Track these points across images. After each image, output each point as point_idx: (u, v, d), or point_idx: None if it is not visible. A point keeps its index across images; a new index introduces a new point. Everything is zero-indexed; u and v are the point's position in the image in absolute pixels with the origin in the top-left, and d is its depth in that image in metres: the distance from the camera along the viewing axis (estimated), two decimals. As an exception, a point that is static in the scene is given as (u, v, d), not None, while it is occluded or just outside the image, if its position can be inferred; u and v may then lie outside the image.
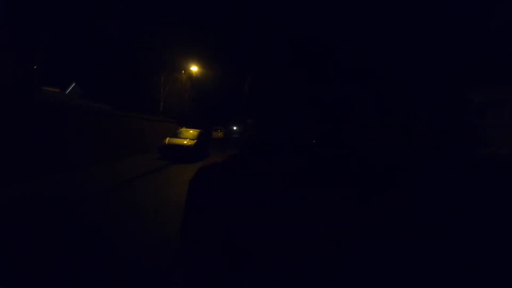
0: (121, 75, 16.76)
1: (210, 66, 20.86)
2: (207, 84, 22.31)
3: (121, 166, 7.72)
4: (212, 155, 12.19)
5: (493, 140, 11.12)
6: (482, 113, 11.94)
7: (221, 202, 0.52)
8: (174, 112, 17.54)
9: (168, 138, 10.47)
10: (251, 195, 0.52)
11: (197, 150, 10.53)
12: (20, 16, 6.92)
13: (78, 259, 2.53)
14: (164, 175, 7.48)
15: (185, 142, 10.35)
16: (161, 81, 15.87)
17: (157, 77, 15.88)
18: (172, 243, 2.47)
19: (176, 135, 11.03)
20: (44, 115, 5.75)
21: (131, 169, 7.33)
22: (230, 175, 0.55)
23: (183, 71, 17.62)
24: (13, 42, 6.68)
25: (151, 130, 12.15)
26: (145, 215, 4.01)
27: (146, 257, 2.65)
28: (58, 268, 2.36)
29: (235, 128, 52.37)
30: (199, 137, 11.03)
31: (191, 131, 11.41)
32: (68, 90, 17.75)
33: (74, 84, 18.42)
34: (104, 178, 6.02)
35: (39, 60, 7.34)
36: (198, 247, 0.51)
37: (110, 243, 2.97)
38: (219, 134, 33.55)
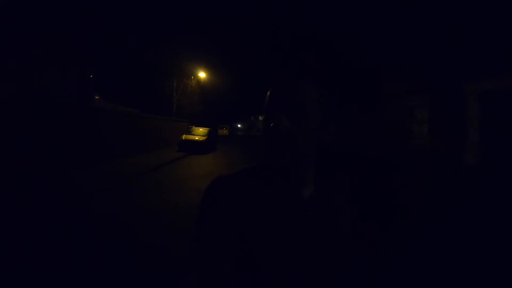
0: (141, 81, 19.29)
1: (216, 72, 23.36)
2: (213, 87, 24.86)
3: (151, 156, 10.16)
4: (219, 149, 14.83)
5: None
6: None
7: (234, 219, 0.53)
8: (186, 112, 20.20)
9: (184, 135, 12.93)
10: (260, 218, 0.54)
11: (207, 144, 12.97)
12: (79, 38, 9.36)
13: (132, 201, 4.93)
14: (183, 162, 9.87)
15: (197, 138, 12.79)
16: (174, 86, 18.43)
17: (170, 82, 18.47)
18: (183, 210, 4.21)
19: (190, 132, 13.48)
20: (98, 118, 8.19)
21: (158, 159, 9.75)
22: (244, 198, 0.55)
23: (192, 77, 20.21)
24: (76, 60, 9.13)
25: (168, 128, 14.68)
26: (171, 187, 6.28)
27: (164, 214, 4.98)
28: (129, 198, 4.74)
29: (239, 125, 57.10)
30: (208, 134, 13.47)
31: (202, 129, 13.82)
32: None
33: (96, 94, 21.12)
34: (142, 164, 8.43)
35: (91, 74, 9.83)
36: (210, 256, 0.51)
37: (147, 202, 5.36)
38: (224, 131, 35.80)
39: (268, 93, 0.59)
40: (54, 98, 6.55)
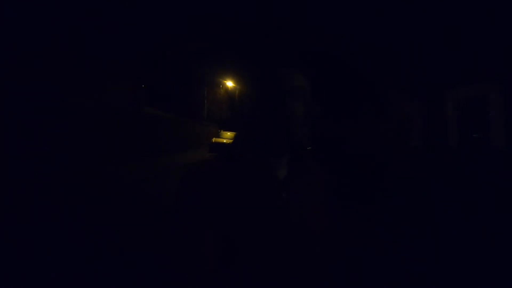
0: (176, 90, 22.06)
1: (241, 80, 25.71)
2: (240, 94, 27.14)
3: (187, 155, 12.24)
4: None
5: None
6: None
7: (210, 203, 0.52)
8: (215, 117, 22.56)
9: (214, 138, 15.10)
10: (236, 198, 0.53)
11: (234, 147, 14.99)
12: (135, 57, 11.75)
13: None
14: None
15: (225, 140, 14.79)
16: (205, 94, 20.97)
17: (202, 90, 21.06)
18: None
19: (219, 136, 15.54)
20: (148, 122, 10.36)
21: (193, 157, 11.77)
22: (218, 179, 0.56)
23: (221, 86, 22.67)
24: (133, 76, 11.52)
25: (201, 132, 16.89)
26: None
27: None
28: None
29: None
30: (235, 137, 15.26)
31: (229, 133, 15.82)
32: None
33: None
34: (181, 160, 10.46)
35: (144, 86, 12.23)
36: (189, 241, 0.51)
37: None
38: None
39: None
40: (117, 107, 8.77)
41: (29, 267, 2.35)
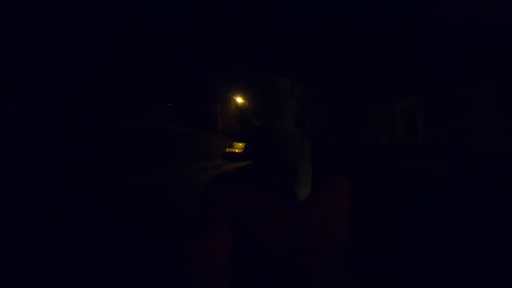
0: (194, 106, 25.06)
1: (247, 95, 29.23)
2: (247, 108, 30.60)
3: (203, 163, 14.22)
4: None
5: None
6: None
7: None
8: (227, 130, 25.00)
9: (227, 148, 17.52)
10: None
11: (244, 155, 16.81)
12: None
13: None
14: (226, 166, 13.65)
15: (237, 150, 16.85)
16: (218, 109, 23.86)
17: (215, 106, 24.13)
18: None
19: (232, 146, 17.67)
20: (173, 136, 12.45)
21: (208, 164, 13.72)
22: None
23: (231, 102, 25.41)
24: (160, 96, 13.81)
25: (214, 143, 19.00)
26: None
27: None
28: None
29: None
30: (245, 148, 17.33)
31: (240, 144, 17.88)
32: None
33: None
34: (199, 167, 12.39)
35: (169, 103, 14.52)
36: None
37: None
38: None
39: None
40: (148, 124, 10.90)
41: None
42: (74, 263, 2.51)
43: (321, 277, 0.58)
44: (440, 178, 5.77)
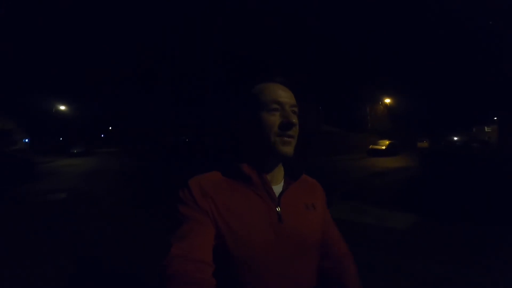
0: (344, 108, 27.72)
1: (403, 94, 29.19)
2: (401, 107, 29.06)
3: (348, 157, 18.17)
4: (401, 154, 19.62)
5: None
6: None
7: None
8: (377, 129, 26.63)
9: (371, 145, 20.35)
10: None
11: (386, 151, 19.52)
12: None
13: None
14: (368, 160, 16.51)
15: (378, 146, 19.82)
16: (367, 110, 26.57)
17: (365, 107, 26.85)
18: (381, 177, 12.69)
19: (376, 143, 20.61)
20: (324, 136, 18.39)
21: (352, 157, 17.56)
22: None
23: (380, 103, 27.78)
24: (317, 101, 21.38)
25: (360, 141, 22.57)
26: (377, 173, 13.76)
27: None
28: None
29: (455, 138, 48.15)
30: (388, 145, 19.82)
31: (384, 141, 20.32)
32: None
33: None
34: (342, 158, 16.79)
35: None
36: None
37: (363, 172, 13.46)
38: (424, 144, 33.50)
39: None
40: (301, 125, 17.48)
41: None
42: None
43: (306, 268, 0.63)
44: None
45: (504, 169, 5.39)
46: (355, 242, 2.60)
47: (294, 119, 0.63)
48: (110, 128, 50.53)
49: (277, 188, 0.66)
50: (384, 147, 19.54)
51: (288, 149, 0.63)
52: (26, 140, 25.09)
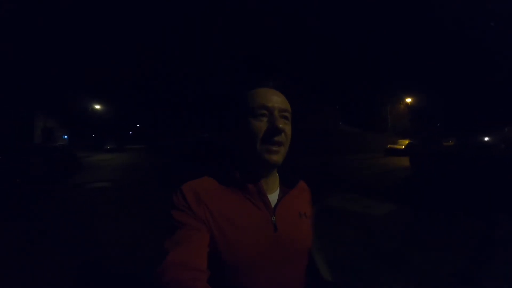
0: (364, 108, 27.91)
1: (426, 93, 29.02)
2: (423, 106, 29.20)
3: (367, 155, 18.33)
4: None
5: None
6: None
7: None
8: (397, 129, 26.94)
9: (389, 145, 20.36)
10: None
11: (404, 151, 19.31)
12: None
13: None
14: (384, 159, 16.81)
15: (397, 146, 19.75)
16: (388, 110, 26.38)
17: (385, 108, 26.80)
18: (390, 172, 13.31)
19: (394, 143, 20.58)
20: (341, 136, 18.83)
21: (368, 156, 17.75)
22: None
23: (401, 102, 27.70)
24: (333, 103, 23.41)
25: (379, 140, 22.43)
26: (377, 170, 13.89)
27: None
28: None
29: (486, 139, 40.08)
30: (407, 144, 19.69)
31: (403, 141, 20.20)
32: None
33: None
34: (360, 157, 17.03)
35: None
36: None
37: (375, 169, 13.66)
38: (449, 143, 30.19)
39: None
40: (320, 123, 18.60)
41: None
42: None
43: (296, 272, 0.63)
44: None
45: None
46: (346, 227, 3.52)
47: (282, 124, 0.61)
48: (138, 125, 53.87)
49: (273, 197, 0.67)
50: (403, 147, 19.48)
51: (275, 158, 0.61)
52: (65, 137, 27.40)
